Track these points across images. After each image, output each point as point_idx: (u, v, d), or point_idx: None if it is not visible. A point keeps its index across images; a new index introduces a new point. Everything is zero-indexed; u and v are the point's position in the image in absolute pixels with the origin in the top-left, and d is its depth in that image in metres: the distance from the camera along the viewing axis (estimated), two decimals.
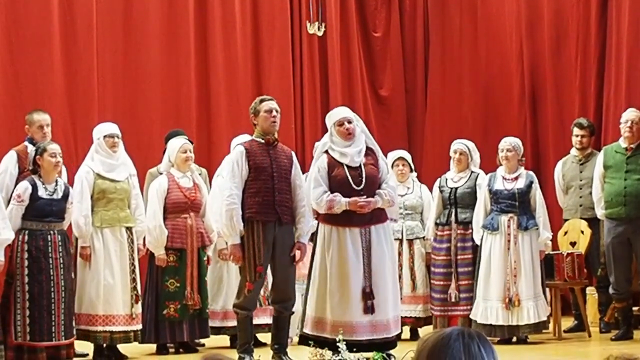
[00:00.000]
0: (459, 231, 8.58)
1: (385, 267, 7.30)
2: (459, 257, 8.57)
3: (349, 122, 7.44)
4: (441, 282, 8.61)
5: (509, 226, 8.32)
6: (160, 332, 8.15)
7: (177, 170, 8.34)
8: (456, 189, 8.67)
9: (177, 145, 8.39)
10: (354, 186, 7.31)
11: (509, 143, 8.58)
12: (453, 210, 8.64)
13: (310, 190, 7.40)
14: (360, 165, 7.38)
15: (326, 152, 7.47)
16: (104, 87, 10.39)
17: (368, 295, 7.20)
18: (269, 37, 11.31)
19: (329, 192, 7.32)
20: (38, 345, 7.36)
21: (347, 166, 7.36)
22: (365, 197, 7.27)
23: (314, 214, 7.60)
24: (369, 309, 7.19)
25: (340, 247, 7.26)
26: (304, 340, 7.38)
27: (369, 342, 7.14)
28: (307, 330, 7.35)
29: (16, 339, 7.33)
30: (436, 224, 8.71)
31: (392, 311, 7.33)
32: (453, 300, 8.53)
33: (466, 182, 8.68)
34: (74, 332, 7.65)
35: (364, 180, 7.33)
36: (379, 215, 7.37)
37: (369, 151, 7.50)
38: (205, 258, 8.29)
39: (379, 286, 7.25)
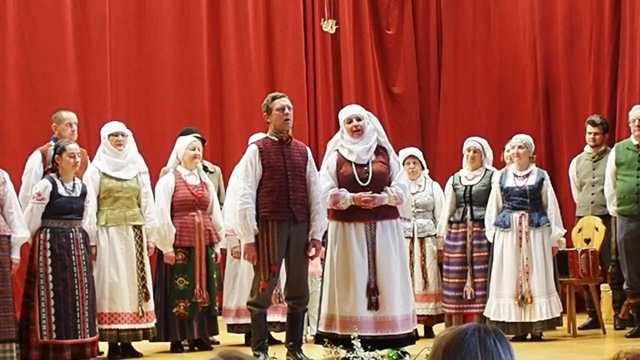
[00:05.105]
0: (474, 229, 8.57)
1: (391, 263, 7.27)
2: (474, 254, 8.57)
3: (358, 120, 7.45)
4: (456, 280, 8.61)
5: (520, 223, 8.31)
6: (170, 330, 8.15)
7: (184, 167, 8.32)
8: (471, 186, 8.67)
9: (186, 142, 8.36)
10: (360, 182, 7.31)
11: (519, 140, 8.57)
12: (468, 208, 8.63)
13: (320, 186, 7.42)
14: (368, 163, 7.38)
15: (337, 150, 7.49)
16: (117, 86, 10.42)
17: (372, 291, 7.19)
18: (282, 35, 11.32)
19: (335, 187, 7.34)
20: (64, 343, 7.36)
21: (355, 163, 7.37)
22: (370, 192, 7.28)
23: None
24: (372, 305, 7.18)
25: (345, 243, 7.27)
26: (319, 339, 7.35)
27: (372, 338, 7.09)
28: (321, 328, 7.37)
29: (42, 337, 7.31)
30: (450, 222, 8.71)
31: (400, 309, 7.27)
32: (469, 297, 8.52)
33: (481, 179, 8.69)
34: (97, 330, 7.65)
35: (370, 176, 7.33)
36: (386, 212, 7.34)
37: (381, 149, 7.49)
38: (213, 255, 8.29)
39: (385, 282, 7.23)
